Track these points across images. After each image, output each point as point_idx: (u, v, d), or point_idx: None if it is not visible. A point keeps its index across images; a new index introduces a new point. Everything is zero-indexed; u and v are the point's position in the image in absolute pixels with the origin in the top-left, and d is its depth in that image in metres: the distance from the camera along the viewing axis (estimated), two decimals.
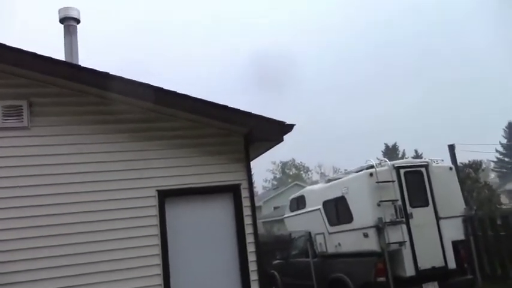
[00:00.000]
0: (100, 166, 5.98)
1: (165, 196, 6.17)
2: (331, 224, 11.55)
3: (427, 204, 10.34)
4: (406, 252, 9.80)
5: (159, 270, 5.94)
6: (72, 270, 5.60)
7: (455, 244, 10.39)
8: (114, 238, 5.85)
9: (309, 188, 14.32)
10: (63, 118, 5.98)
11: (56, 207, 5.70)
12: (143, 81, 5.92)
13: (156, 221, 6.07)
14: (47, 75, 5.80)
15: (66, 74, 5.87)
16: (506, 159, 60.96)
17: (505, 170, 58.50)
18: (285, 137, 6.67)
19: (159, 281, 5.92)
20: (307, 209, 12.81)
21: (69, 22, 7.90)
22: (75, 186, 5.83)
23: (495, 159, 60.89)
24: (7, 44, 5.50)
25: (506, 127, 61.65)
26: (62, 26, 7.99)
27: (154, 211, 6.09)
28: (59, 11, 7.92)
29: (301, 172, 76.22)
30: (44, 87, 5.97)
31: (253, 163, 6.82)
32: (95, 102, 6.15)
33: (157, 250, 5.99)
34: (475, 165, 19.61)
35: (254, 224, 6.53)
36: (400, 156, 49.26)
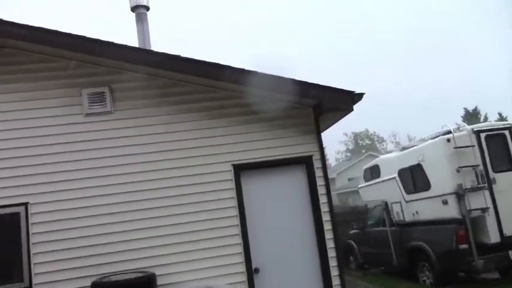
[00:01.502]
0: (179, 144, 6.32)
1: (240, 170, 6.42)
2: (408, 192, 11.36)
3: (511, 169, 9.83)
4: (490, 218, 9.45)
5: (239, 240, 6.24)
6: (157, 241, 6.04)
7: None
8: (195, 211, 6.20)
9: (383, 157, 14.09)
10: (142, 101, 6.36)
11: (143, 184, 6.15)
12: (213, 62, 6.13)
13: (233, 193, 6.35)
14: (125, 62, 6.18)
15: (141, 60, 6.21)
16: None
17: None
18: (357, 107, 6.61)
19: (240, 249, 6.22)
20: (382, 178, 12.67)
21: (140, 10, 8.29)
22: (157, 163, 6.22)
23: None
24: (86, 35, 5.93)
25: None
26: (133, 14, 8.40)
27: (231, 184, 6.37)
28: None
29: (375, 142, 74.42)
30: (122, 73, 6.37)
31: (325, 135, 6.86)
32: (168, 84, 6.47)
33: (236, 221, 6.28)
34: None
35: (328, 194, 6.62)
36: (482, 121, 46.36)
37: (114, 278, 5.53)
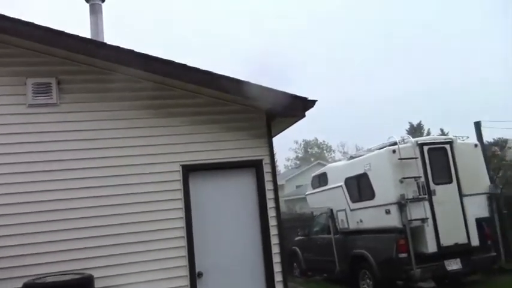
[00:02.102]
0: (125, 142, 6.13)
1: (189, 171, 6.32)
2: (353, 200, 11.63)
3: (450, 181, 10.31)
4: (429, 228, 9.84)
5: (183, 242, 6.12)
6: (97, 241, 5.81)
7: (479, 221, 10.36)
8: (140, 211, 6.02)
9: (331, 165, 14.39)
10: (90, 95, 6.13)
11: (83, 181, 5.90)
12: (167, 59, 6.01)
13: (180, 194, 6.23)
14: (74, 53, 5.93)
15: (92, 52, 5.99)
16: None
17: None
18: (308, 114, 6.70)
19: (183, 252, 6.10)
20: (329, 186, 12.90)
21: (94, 1, 8.02)
22: (102, 160, 6.01)
23: None
24: (34, 22, 5.65)
25: None
26: (87, 5, 8.12)
27: (179, 185, 6.25)
28: None
29: (324, 151, 75.94)
30: (71, 65, 6.11)
31: (275, 142, 6.89)
32: (119, 79, 6.26)
33: (182, 223, 6.16)
34: (501, 143, 19.21)
35: (276, 199, 6.64)
36: (425, 135, 48.43)
37: (48, 280, 5.24)
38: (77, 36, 5.80)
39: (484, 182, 10.75)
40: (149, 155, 6.19)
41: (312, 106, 6.49)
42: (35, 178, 5.75)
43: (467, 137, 11.46)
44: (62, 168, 5.85)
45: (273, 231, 6.55)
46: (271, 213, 6.57)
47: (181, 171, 6.28)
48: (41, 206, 5.71)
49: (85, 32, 7.73)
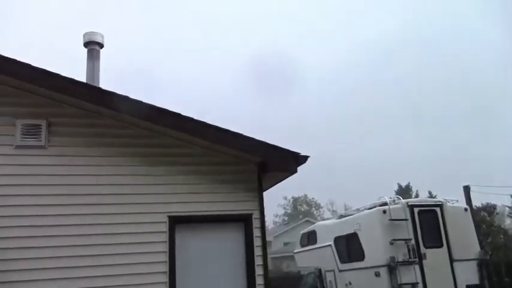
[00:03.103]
0: (112, 189, 5.98)
1: (176, 222, 6.12)
2: (342, 261, 11.36)
3: (441, 245, 10.15)
4: None
5: None
6: None
7: None
8: (122, 263, 5.78)
9: (320, 223, 14.19)
10: (80, 139, 6.04)
11: (67, 228, 5.69)
12: (161, 106, 5.99)
13: (165, 247, 6.00)
14: (66, 95, 5.90)
15: (85, 96, 5.96)
16: None
17: None
18: (299, 170, 6.63)
19: None
20: (318, 244, 12.64)
21: (92, 46, 8.11)
22: (87, 207, 5.82)
23: (510, 205, 59.69)
24: (28, 62, 5.64)
25: None
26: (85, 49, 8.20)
27: (165, 237, 6.03)
28: (84, 35, 8.14)
29: (313, 208, 75.40)
30: (63, 107, 6.06)
31: (265, 197, 6.77)
32: (111, 125, 6.22)
33: (165, 277, 5.89)
34: (490, 209, 19.23)
35: (264, 256, 6.42)
36: (413, 197, 48.49)
37: None
38: (71, 79, 5.79)
39: (474, 247, 10.61)
40: (136, 204, 6.01)
41: (304, 162, 6.44)
42: (19, 223, 5.54)
43: (457, 201, 11.46)
44: (44, 213, 5.65)
45: None
46: (259, 270, 6.33)
47: (168, 223, 6.08)
48: (26, 253, 5.47)
49: (81, 76, 7.74)
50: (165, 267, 5.94)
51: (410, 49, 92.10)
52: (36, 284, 5.47)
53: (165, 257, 5.98)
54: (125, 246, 5.85)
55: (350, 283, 11.01)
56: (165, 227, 6.07)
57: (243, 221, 6.46)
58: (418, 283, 9.57)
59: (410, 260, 9.64)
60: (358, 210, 11.85)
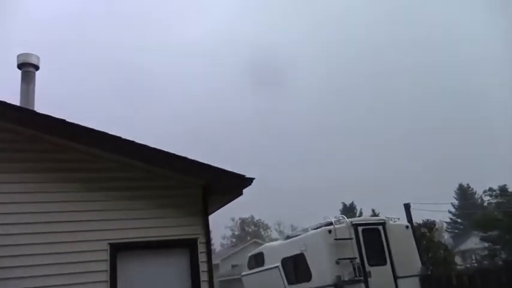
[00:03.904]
0: (49, 216, 5.66)
1: (118, 250, 5.86)
2: (290, 282, 11.34)
3: (385, 263, 10.38)
4: None
5: None
6: None
7: None
8: None
9: (267, 244, 14.13)
10: (15, 165, 5.71)
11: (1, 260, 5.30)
12: (99, 130, 5.79)
13: (106, 276, 5.72)
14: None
15: (18, 119, 5.66)
16: (459, 220, 62.66)
17: (457, 231, 59.89)
18: (245, 192, 6.61)
19: None
20: (266, 266, 12.57)
21: (27, 68, 7.76)
22: (21, 237, 5.47)
23: (448, 220, 62.57)
24: None
25: (457, 189, 63.89)
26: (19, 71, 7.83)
27: (106, 266, 5.75)
28: (18, 56, 7.79)
29: (261, 229, 75.36)
30: None
31: (211, 220, 6.66)
32: (47, 149, 5.93)
33: None
34: (430, 225, 19.97)
35: (210, 281, 6.26)
36: (357, 215, 49.79)
37: None
38: (4, 102, 5.48)
39: (416, 264, 10.93)
40: (74, 232, 5.71)
41: (250, 184, 6.42)
42: None
43: (398, 219, 11.80)
44: None
45: None
46: None
47: (108, 250, 5.81)
48: None
49: (15, 99, 7.36)
50: None
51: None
52: None
53: (106, 287, 5.69)
54: (64, 277, 5.53)
55: None
56: (105, 255, 5.80)
57: (188, 246, 6.29)
58: None
59: (356, 278, 9.76)
60: (304, 230, 11.93)
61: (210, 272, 6.34)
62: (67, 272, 5.55)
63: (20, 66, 7.79)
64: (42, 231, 5.58)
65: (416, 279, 10.67)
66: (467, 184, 62.58)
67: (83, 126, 5.70)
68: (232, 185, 6.43)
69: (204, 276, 6.23)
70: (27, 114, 5.94)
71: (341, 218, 10.81)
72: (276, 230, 69.98)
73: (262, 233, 72.66)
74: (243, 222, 75.37)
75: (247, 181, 6.38)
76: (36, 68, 7.88)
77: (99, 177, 6.10)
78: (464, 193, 63.41)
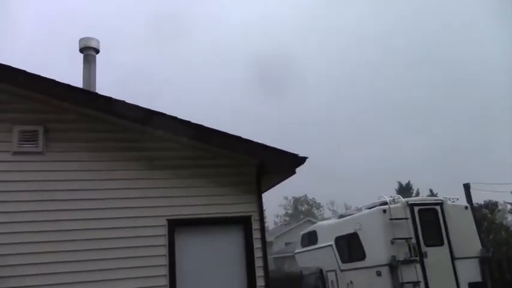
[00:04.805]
0: (110, 193, 5.97)
1: (175, 225, 6.11)
2: (343, 260, 11.32)
3: (442, 244, 10.11)
4: None
5: None
6: None
7: (472, 286, 10.07)
8: (122, 267, 5.77)
9: (321, 223, 14.15)
10: (78, 144, 6.03)
11: (67, 234, 5.68)
12: (159, 111, 5.99)
13: (165, 250, 5.99)
14: (63, 101, 5.90)
15: (82, 101, 5.96)
16: None
17: None
18: (298, 171, 6.63)
19: None
20: (319, 244, 12.61)
21: (88, 52, 8.10)
22: (86, 212, 5.81)
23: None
24: (24, 69, 5.64)
25: None
26: (82, 55, 8.20)
27: (164, 241, 6.02)
28: (80, 40, 8.14)
29: (313, 208, 75.36)
30: (60, 113, 6.06)
31: (265, 198, 6.77)
32: (108, 129, 6.21)
33: (165, 281, 5.88)
34: (491, 206, 19.21)
35: (264, 257, 6.40)
36: (414, 195, 48.48)
37: None
38: (67, 85, 5.78)
39: (475, 245, 10.57)
40: (134, 208, 6.00)
41: (303, 163, 6.43)
42: (16, 229, 5.52)
43: (457, 199, 11.41)
44: (44, 219, 5.65)
45: None
46: (259, 272, 6.31)
47: (167, 226, 6.07)
48: (25, 259, 5.46)
49: (79, 81, 7.74)
50: (165, 271, 5.92)
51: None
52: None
53: (165, 261, 5.97)
54: (125, 250, 5.85)
55: (351, 282, 10.97)
56: (164, 231, 6.06)
57: (243, 223, 6.44)
58: (419, 282, 9.54)
59: (412, 258, 9.60)
60: (358, 209, 11.82)
61: (264, 248, 6.47)
62: (129, 245, 5.86)
63: (82, 50, 8.15)
64: (108, 207, 5.91)
65: (476, 260, 10.34)
66: None
67: (142, 108, 5.90)
68: (285, 164, 6.47)
69: (258, 253, 6.37)
70: (90, 96, 6.22)
71: (396, 197, 10.61)
72: (330, 209, 69.72)
73: (315, 212, 72.67)
74: (296, 200, 75.64)
75: (300, 160, 6.40)
76: (97, 51, 8.23)
77: (160, 157, 6.33)
78: None
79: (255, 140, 6.29)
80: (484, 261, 10.50)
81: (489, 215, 18.30)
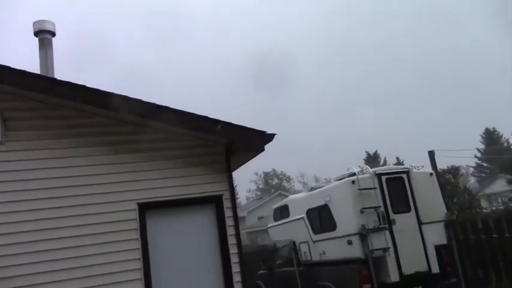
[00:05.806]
0: (78, 180, 5.85)
1: (146, 209, 6.07)
2: (315, 232, 11.53)
3: (409, 210, 10.41)
4: (390, 258, 9.83)
5: (140, 285, 5.81)
6: (52, 286, 5.44)
7: (438, 249, 10.47)
8: (94, 253, 5.71)
9: (292, 197, 14.30)
10: (39, 132, 5.85)
11: (32, 224, 5.55)
12: (121, 94, 5.84)
13: (137, 234, 5.96)
14: (21, 89, 5.67)
15: (41, 88, 5.75)
16: (484, 164, 62.03)
17: (483, 175, 59.48)
18: (267, 146, 6.65)
19: None
20: (291, 218, 12.79)
21: (44, 35, 7.77)
22: (52, 201, 5.69)
23: (474, 165, 62.01)
24: None
25: (483, 133, 62.84)
26: (37, 39, 7.86)
27: (135, 224, 5.98)
28: (34, 24, 7.79)
29: (284, 182, 76.26)
30: (18, 101, 5.84)
31: (235, 174, 6.79)
32: (70, 115, 6.04)
33: (139, 264, 5.88)
34: (454, 171, 19.82)
35: (237, 235, 6.46)
36: (381, 164, 49.69)
37: None
38: (24, 71, 5.55)
39: (440, 210, 10.93)
40: (103, 194, 5.92)
41: (271, 140, 6.45)
42: None
43: (423, 166, 11.70)
44: (9, 210, 5.49)
45: (235, 268, 6.35)
46: (233, 249, 6.39)
47: (137, 210, 6.02)
48: None
49: (35, 67, 7.44)
50: (138, 254, 5.91)
51: None
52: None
53: (137, 244, 5.95)
54: (97, 236, 5.78)
55: (324, 252, 11.22)
56: (135, 215, 6.01)
57: (214, 202, 6.47)
58: (389, 248, 9.83)
59: (381, 226, 9.85)
60: (328, 181, 12.00)
61: (237, 226, 6.53)
62: (100, 231, 5.79)
63: (36, 33, 7.81)
64: (75, 194, 5.79)
65: (441, 224, 10.71)
66: (493, 128, 61.41)
67: (105, 92, 5.75)
68: (254, 141, 6.47)
69: (230, 230, 6.43)
70: (47, 83, 6.00)
71: (364, 168, 10.80)
72: (300, 182, 70.78)
73: (286, 185, 73.60)
74: (267, 175, 76.31)
75: (268, 137, 6.42)
76: (53, 34, 7.90)
77: (127, 140, 6.22)
78: (490, 137, 62.36)
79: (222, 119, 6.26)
80: (449, 224, 10.92)
81: (452, 180, 18.91)
